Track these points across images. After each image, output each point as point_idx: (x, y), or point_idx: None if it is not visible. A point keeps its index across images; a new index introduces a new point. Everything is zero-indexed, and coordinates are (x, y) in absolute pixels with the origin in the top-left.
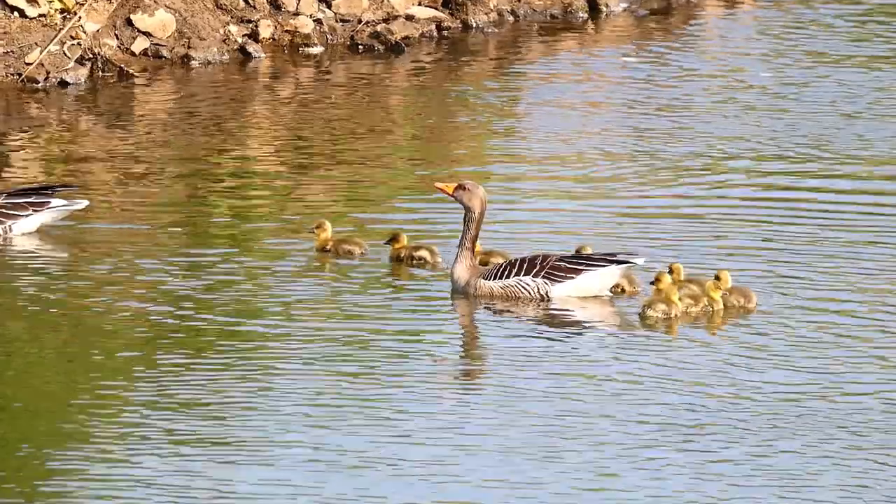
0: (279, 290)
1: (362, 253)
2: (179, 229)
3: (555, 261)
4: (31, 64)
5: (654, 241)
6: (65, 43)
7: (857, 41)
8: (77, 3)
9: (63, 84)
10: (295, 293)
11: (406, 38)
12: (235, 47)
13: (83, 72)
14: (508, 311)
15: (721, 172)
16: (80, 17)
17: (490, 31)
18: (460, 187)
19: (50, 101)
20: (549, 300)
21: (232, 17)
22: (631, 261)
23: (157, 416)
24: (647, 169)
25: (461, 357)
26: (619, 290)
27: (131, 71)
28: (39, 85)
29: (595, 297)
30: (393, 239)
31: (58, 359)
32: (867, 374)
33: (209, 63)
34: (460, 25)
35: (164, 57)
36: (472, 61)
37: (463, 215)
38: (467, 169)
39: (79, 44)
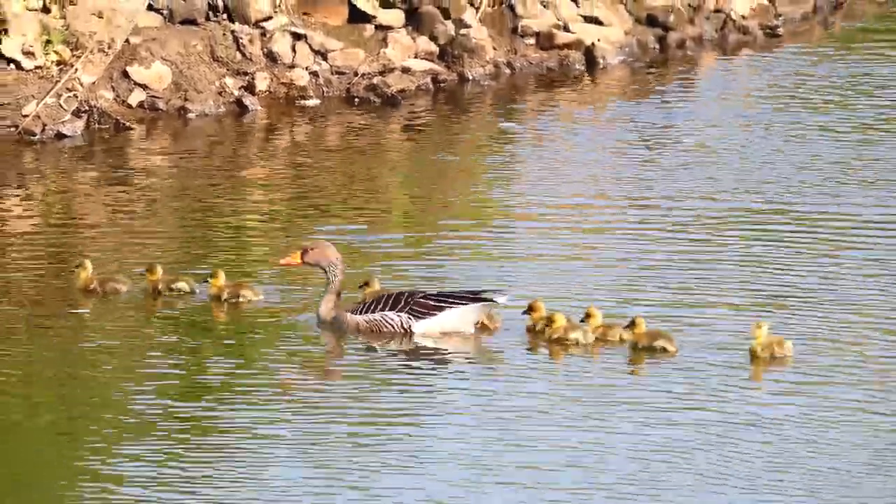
0: (264, 345)
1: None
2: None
3: (419, 297)
4: (27, 116)
5: (652, 291)
6: (61, 95)
7: (852, 92)
8: (73, 55)
9: (60, 136)
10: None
11: (402, 90)
12: (232, 100)
13: (80, 124)
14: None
15: (718, 222)
16: (76, 70)
17: (486, 83)
18: (305, 252)
19: (46, 154)
20: (411, 335)
21: (228, 70)
22: (493, 299)
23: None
24: (642, 220)
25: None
26: (479, 325)
27: (128, 123)
28: (36, 137)
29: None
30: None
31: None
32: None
33: (205, 115)
34: (457, 78)
35: (161, 109)
36: (469, 113)
37: (325, 272)
38: (462, 221)
39: (75, 96)
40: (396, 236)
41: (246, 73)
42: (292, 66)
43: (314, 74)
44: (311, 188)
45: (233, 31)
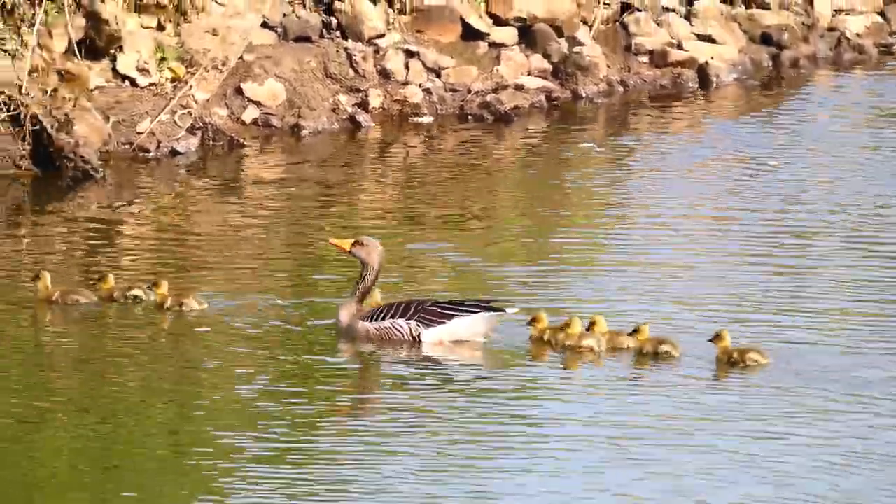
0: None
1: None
2: (289, 299)
3: (429, 305)
4: (142, 133)
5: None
6: (175, 112)
7: None
8: (188, 72)
9: (174, 153)
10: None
11: (515, 107)
12: (345, 116)
13: (194, 141)
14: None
15: (819, 239)
16: (190, 87)
17: (600, 101)
18: (358, 244)
19: (161, 170)
20: (420, 343)
21: (342, 87)
22: (503, 309)
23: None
24: (752, 238)
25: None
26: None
27: (241, 140)
28: (150, 154)
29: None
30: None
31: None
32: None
33: (319, 132)
34: (570, 95)
35: (275, 126)
36: (582, 131)
37: (360, 270)
38: (574, 240)
39: (189, 113)
40: (511, 267)
41: (359, 90)
42: (405, 84)
43: (427, 91)
44: (423, 205)
45: (346, 49)
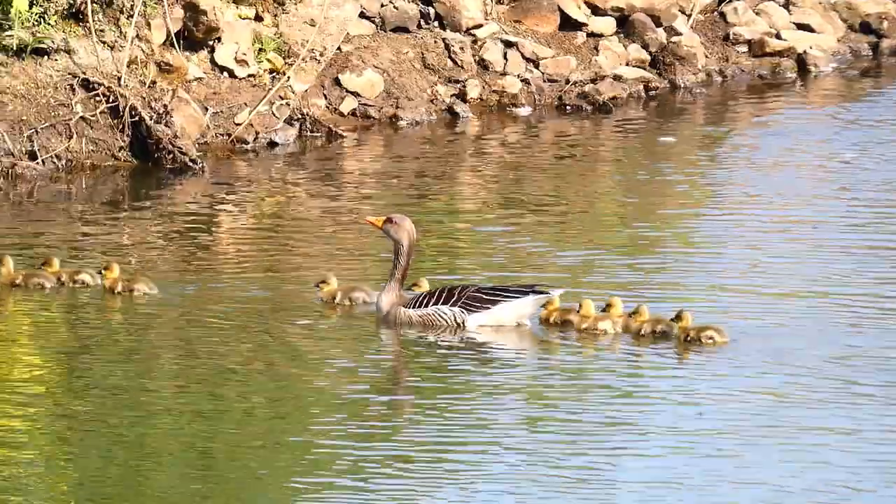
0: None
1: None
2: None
3: (472, 291)
4: (240, 124)
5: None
6: (273, 103)
7: None
8: (286, 63)
9: (272, 144)
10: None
11: (614, 98)
12: (443, 107)
13: (292, 132)
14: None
15: None
16: (288, 78)
17: (698, 91)
18: (388, 221)
19: (259, 162)
20: (465, 329)
21: (440, 78)
22: (547, 292)
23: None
24: (850, 230)
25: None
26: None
27: (339, 131)
28: (248, 145)
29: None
30: None
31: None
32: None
33: (417, 123)
34: (668, 85)
35: (373, 117)
36: (680, 121)
37: (393, 250)
38: (664, 232)
39: (287, 104)
40: (594, 250)
41: (457, 81)
42: (504, 74)
43: (526, 82)
44: (521, 196)
45: (444, 39)
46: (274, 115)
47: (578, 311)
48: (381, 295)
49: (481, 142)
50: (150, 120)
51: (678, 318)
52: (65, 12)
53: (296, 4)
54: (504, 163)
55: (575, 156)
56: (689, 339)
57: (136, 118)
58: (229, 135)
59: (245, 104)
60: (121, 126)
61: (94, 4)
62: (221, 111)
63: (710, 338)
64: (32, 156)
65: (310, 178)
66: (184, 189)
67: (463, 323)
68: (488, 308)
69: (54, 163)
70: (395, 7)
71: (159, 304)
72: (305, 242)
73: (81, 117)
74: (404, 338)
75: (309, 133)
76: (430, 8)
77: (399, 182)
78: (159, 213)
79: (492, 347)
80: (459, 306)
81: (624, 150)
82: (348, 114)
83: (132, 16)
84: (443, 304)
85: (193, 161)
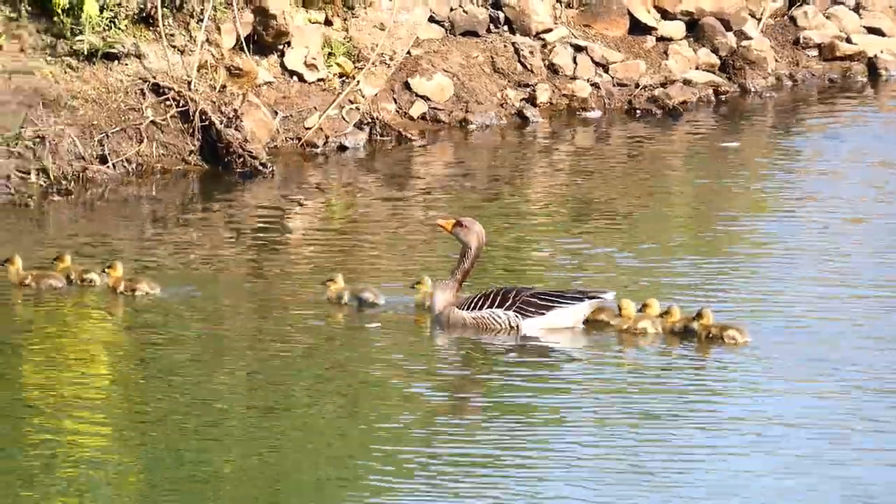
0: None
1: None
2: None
3: (527, 295)
4: (309, 128)
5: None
6: (343, 107)
7: None
8: (355, 67)
9: (342, 148)
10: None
11: (683, 102)
12: (513, 111)
13: (362, 136)
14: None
15: None
16: (358, 82)
17: (768, 95)
18: (458, 224)
19: (328, 166)
20: (519, 333)
21: (509, 82)
22: (600, 296)
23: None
24: None
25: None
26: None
27: (409, 135)
28: (318, 149)
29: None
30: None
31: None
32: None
33: (486, 127)
34: (738, 90)
35: (442, 121)
36: (750, 125)
37: (460, 251)
38: (732, 235)
39: (357, 108)
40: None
41: (527, 85)
42: (573, 78)
43: (595, 86)
44: (590, 200)
45: (514, 43)
46: (344, 119)
47: (619, 313)
48: (437, 293)
49: (551, 145)
50: (220, 124)
51: (699, 316)
52: (135, 17)
53: (365, 9)
54: (573, 166)
55: (644, 160)
56: (710, 336)
57: (207, 122)
58: (299, 139)
59: (315, 108)
60: (191, 130)
61: (165, 9)
62: (291, 115)
63: (732, 338)
64: (103, 160)
65: (379, 182)
66: (253, 193)
67: (517, 327)
68: (543, 314)
69: (125, 167)
70: (464, 11)
71: (228, 306)
72: (375, 245)
73: (152, 121)
74: (482, 340)
75: (378, 137)
76: (499, 12)
77: (468, 185)
78: (229, 216)
79: (546, 345)
80: (514, 310)
81: (693, 154)
82: (418, 118)
83: (202, 20)
84: (497, 307)
85: (263, 165)
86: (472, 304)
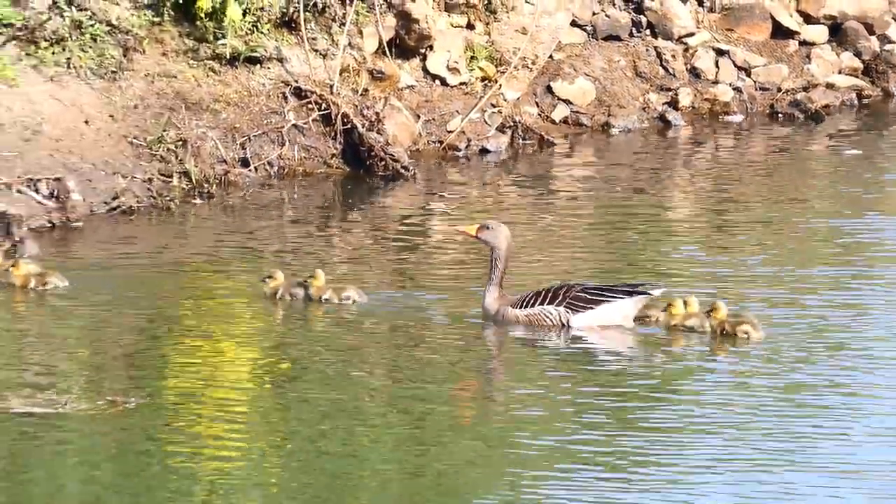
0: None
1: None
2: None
3: (577, 291)
4: (452, 132)
5: None
6: (485, 111)
7: None
8: (497, 71)
9: (483, 152)
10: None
11: (826, 106)
12: (655, 115)
13: (504, 139)
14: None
15: None
16: (500, 85)
17: None
18: (484, 228)
19: (470, 169)
20: (569, 328)
21: (651, 86)
22: (649, 292)
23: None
24: None
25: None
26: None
27: (551, 138)
28: (460, 153)
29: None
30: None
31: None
32: None
33: (628, 130)
34: (881, 94)
35: (584, 125)
36: (894, 129)
37: (490, 255)
38: (880, 241)
39: (499, 111)
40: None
41: (669, 89)
42: (715, 82)
43: (737, 90)
44: (732, 204)
45: (656, 47)
46: (486, 122)
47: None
48: (486, 297)
49: (692, 149)
50: (363, 128)
51: (713, 310)
52: (277, 21)
53: (508, 13)
54: (715, 171)
55: (786, 164)
56: (724, 332)
57: (349, 126)
58: (441, 142)
59: (457, 112)
60: (333, 133)
61: (307, 13)
62: (433, 119)
63: (746, 332)
64: (245, 163)
65: (521, 185)
66: (396, 196)
67: (567, 322)
68: (592, 308)
69: (266, 170)
70: (606, 15)
71: (367, 310)
72: (519, 249)
73: (293, 125)
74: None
75: (521, 140)
76: (641, 16)
77: (611, 189)
78: (371, 219)
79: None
80: (564, 306)
81: (835, 158)
82: (560, 121)
83: (344, 24)
84: (548, 304)
85: (405, 168)
86: (525, 303)
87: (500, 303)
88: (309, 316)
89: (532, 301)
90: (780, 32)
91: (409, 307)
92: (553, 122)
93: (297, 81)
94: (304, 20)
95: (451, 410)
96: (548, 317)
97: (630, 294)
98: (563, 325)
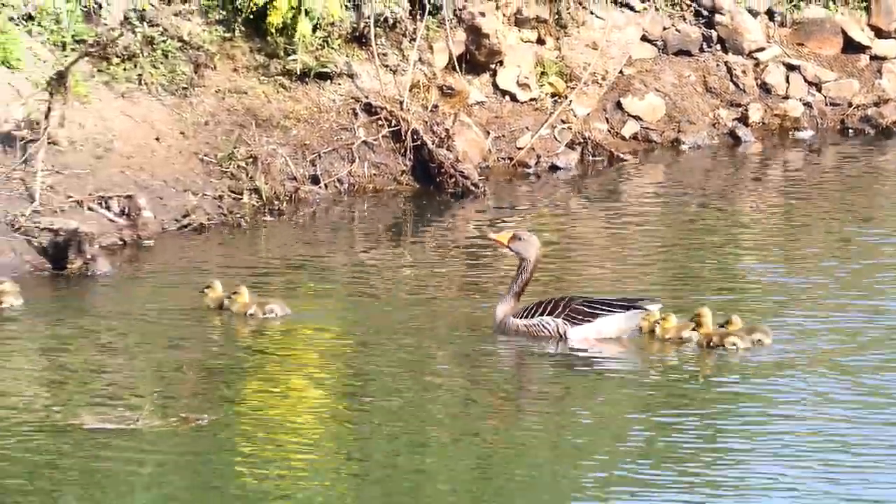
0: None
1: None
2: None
3: (576, 303)
4: (521, 148)
5: None
6: (555, 127)
7: None
8: (567, 87)
9: (553, 168)
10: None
11: None
12: (725, 131)
13: (573, 156)
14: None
15: None
16: (570, 102)
17: None
18: (516, 238)
19: (540, 186)
20: (567, 340)
21: (721, 101)
22: (645, 307)
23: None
24: None
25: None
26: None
27: (621, 155)
28: (530, 169)
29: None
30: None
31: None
32: None
33: (698, 147)
34: None
35: (654, 141)
36: None
37: (518, 264)
38: None
39: (569, 128)
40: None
41: (739, 105)
42: (786, 98)
43: (808, 106)
44: (804, 220)
45: (726, 63)
46: (556, 138)
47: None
48: (498, 305)
49: (763, 165)
50: (432, 144)
51: (727, 323)
52: (348, 36)
53: (578, 28)
54: (785, 187)
55: (857, 180)
56: (710, 344)
57: (418, 142)
58: (511, 158)
59: (527, 128)
60: (403, 150)
61: (377, 28)
62: (503, 135)
63: (734, 344)
64: (315, 180)
65: (592, 202)
66: (466, 213)
67: (565, 334)
68: (589, 321)
69: (336, 187)
70: (677, 30)
71: (431, 324)
72: (588, 265)
73: (363, 141)
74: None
75: (591, 157)
76: (712, 31)
77: (680, 206)
78: (441, 236)
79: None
80: (563, 318)
81: None
82: (630, 137)
83: (415, 39)
84: (548, 315)
85: (475, 185)
86: (527, 313)
87: (508, 313)
88: (382, 335)
89: (533, 311)
90: (851, 47)
91: (472, 319)
92: (623, 138)
93: (367, 97)
94: (375, 35)
95: (525, 426)
96: (545, 328)
97: (626, 308)
98: (561, 336)
